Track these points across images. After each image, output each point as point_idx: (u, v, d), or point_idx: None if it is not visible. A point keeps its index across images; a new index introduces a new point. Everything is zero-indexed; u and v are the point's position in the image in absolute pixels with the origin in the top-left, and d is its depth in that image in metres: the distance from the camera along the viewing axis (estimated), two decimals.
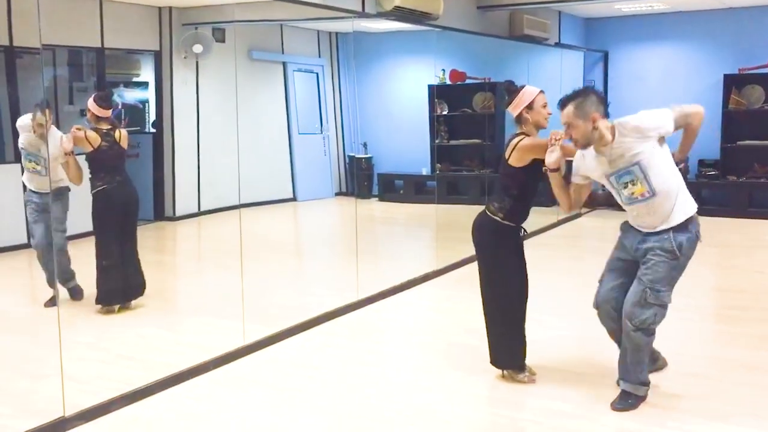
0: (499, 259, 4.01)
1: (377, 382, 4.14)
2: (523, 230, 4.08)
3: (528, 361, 4.42)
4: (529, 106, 3.94)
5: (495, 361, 4.13)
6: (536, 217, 9.41)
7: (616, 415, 3.62)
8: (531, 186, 3.97)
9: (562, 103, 3.64)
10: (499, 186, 4.05)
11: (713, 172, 9.68)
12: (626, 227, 3.76)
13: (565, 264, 7.51)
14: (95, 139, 5.30)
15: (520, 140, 3.89)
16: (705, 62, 10.08)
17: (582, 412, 3.65)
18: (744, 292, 5.73)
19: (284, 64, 11.57)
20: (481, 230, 4.06)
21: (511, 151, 3.89)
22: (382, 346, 4.86)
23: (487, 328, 4.17)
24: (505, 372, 4.09)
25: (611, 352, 4.34)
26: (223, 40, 9.95)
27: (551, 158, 3.68)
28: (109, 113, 5.47)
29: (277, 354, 4.60)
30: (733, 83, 9.62)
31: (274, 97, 11.50)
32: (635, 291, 3.61)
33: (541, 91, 3.99)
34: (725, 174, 9.50)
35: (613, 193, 3.67)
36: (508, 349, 4.07)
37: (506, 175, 3.96)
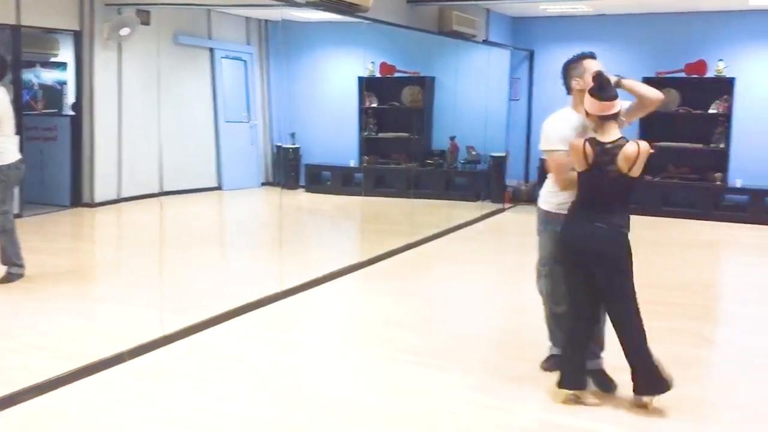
0: (630, 272, 3.65)
1: (298, 372, 4.12)
2: None
3: (450, 354, 4.50)
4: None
5: (654, 388, 3.60)
6: (461, 211, 9.62)
7: (533, 405, 3.71)
8: None
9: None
10: (612, 200, 3.62)
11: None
12: (558, 219, 3.83)
13: (492, 258, 7.64)
14: None
15: (635, 148, 3.54)
16: (625, 64, 10.37)
17: (500, 403, 3.72)
18: (657, 288, 5.96)
19: (211, 50, 11.35)
20: (614, 245, 3.61)
21: (633, 164, 3.52)
22: (304, 337, 4.84)
23: (632, 349, 3.63)
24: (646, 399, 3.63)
25: (534, 344, 4.44)
26: (147, 23, 9.68)
27: None
28: None
29: (196, 344, 4.52)
30: (651, 86, 9.95)
31: (201, 83, 11.26)
32: None
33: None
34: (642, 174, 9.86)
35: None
36: (652, 368, 3.60)
37: (627, 187, 3.59)
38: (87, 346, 4.34)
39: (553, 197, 3.89)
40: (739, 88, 9.60)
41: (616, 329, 3.66)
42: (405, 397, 3.80)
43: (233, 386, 3.89)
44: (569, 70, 3.88)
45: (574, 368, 3.71)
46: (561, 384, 3.71)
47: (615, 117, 3.62)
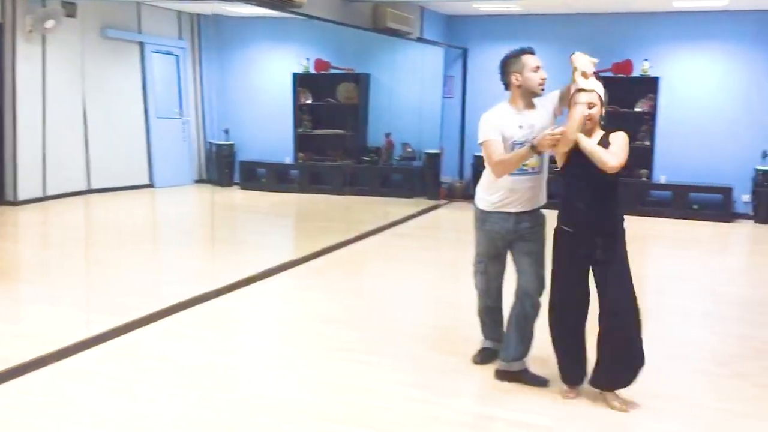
0: (627, 260, 3.67)
1: (229, 371, 4.06)
2: None
3: (384, 350, 4.51)
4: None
5: (629, 378, 3.63)
6: (397, 208, 9.65)
7: (467, 399, 3.76)
8: None
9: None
10: (605, 194, 3.62)
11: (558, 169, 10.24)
12: (493, 217, 3.85)
13: (427, 254, 7.69)
14: None
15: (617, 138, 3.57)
16: (556, 63, 10.58)
17: (434, 398, 3.75)
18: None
19: (141, 44, 11.07)
20: (617, 234, 3.63)
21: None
22: (237, 335, 4.78)
23: (624, 339, 3.62)
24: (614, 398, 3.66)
25: (467, 339, 4.49)
26: (73, 15, 9.37)
27: None
28: None
29: (124, 346, 4.41)
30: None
31: (130, 78, 10.97)
32: (533, 265, 3.84)
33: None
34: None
35: None
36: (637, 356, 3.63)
37: (614, 180, 3.58)
38: (9, 349, 4.18)
39: (488, 195, 3.90)
40: (663, 87, 9.92)
41: (608, 318, 3.60)
42: (339, 393, 3.79)
43: (162, 387, 3.81)
44: (508, 65, 3.84)
45: (569, 364, 3.75)
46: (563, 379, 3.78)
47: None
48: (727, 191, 9.64)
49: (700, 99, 9.98)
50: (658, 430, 3.48)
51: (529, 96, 3.81)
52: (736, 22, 9.65)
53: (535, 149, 3.66)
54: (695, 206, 9.79)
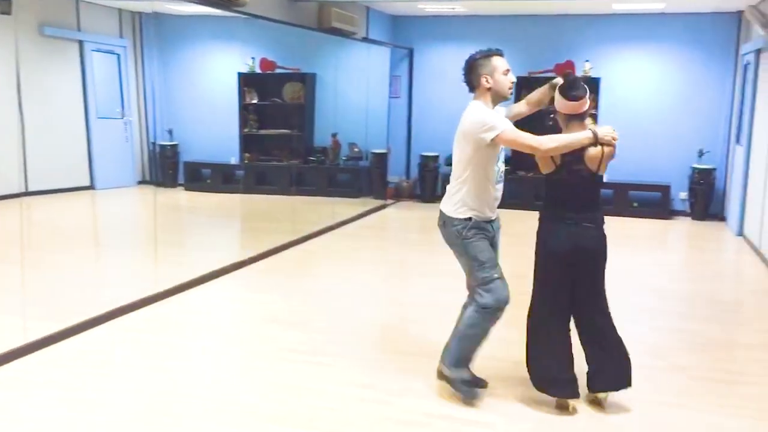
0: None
1: (174, 375, 4.00)
2: None
3: (333, 350, 4.49)
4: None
5: (625, 381, 3.67)
6: (344, 208, 9.63)
7: (417, 398, 3.76)
8: None
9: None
10: (590, 200, 3.72)
11: (506, 167, 10.38)
12: (482, 225, 3.70)
13: (374, 254, 7.69)
14: None
15: (598, 149, 3.62)
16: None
17: (384, 397, 3.76)
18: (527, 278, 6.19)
19: (81, 42, 10.78)
20: (601, 242, 3.73)
21: (599, 163, 3.63)
22: (181, 339, 4.70)
23: (612, 342, 3.67)
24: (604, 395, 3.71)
25: (415, 337, 4.51)
26: (8, 12, 9.05)
27: None
28: None
29: (65, 352, 4.29)
30: (524, 85, 10.36)
31: (70, 77, 10.67)
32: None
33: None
34: (515, 170, 10.21)
35: (492, 163, 3.67)
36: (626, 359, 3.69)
37: (599, 185, 3.72)
38: None
39: (477, 204, 3.68)
40: (604, 87, 10.14)
41: (588, 328, 3.67)
42: (287, 395, 3.76)
43: (103, 393, 3.72)
44: (476, 66, 3.63)
45: (557, 376, 3.64)
46: (550, 393, 3.66)
47: (582, 117, 3.65)
48: (665, 189, 9.91)
49: (639, 99, 10.24)
50: (595, 423, 3.55)
51: (498, 99, 3.68)
52: (673, 25, 9.94)
53: (595, 137, 3.59)
54: (635, 204, 10.04)
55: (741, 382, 4.14)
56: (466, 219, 3.67)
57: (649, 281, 6.61)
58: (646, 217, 9.82)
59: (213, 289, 5.87)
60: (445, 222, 3.74)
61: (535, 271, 3.73)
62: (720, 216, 9.81)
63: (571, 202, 3.65)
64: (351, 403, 3.69)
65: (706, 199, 9.77)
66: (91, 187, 10.85)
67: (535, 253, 3.73)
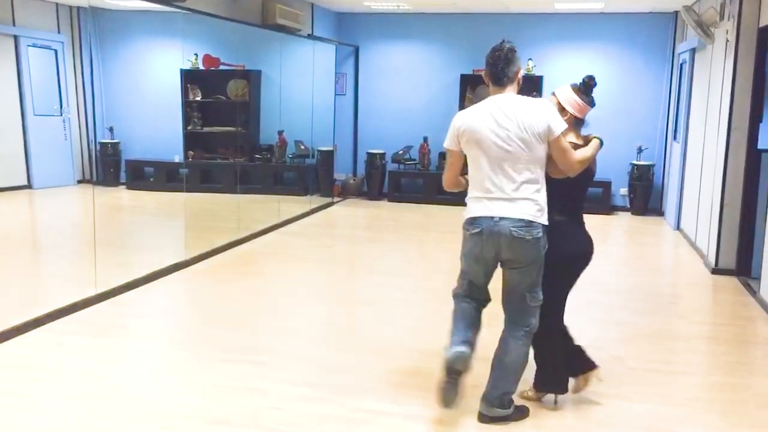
0: None
1: (112, 379, 3.91)
2: None
3: (275, 350, 4.46)
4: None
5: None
6: (291, 206, 9.57)
7: (359, 396, 3.76)
8: None
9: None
10: (582, 201, 3.82)
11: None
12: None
13: (321, 252, 7.66)
14: None
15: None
16: (445, 61, 10.85)
17: (326, 396, 3.74)
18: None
19: (16, 37, 10.46)
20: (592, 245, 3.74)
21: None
22: (121, 341, 4.60)
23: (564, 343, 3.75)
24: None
25: (358, 335, 4.50)
26: None
27: None
28: None
29: None
30: (468, 83, 10.47)
31: (4, 74, 10.34)
32: None
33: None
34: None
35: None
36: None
37: (586, 185, 3.78)
38: None
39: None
40: (546, 86, 10.30)
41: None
42: (230, 395, 3.72)
43: (38, 398, 3.61)
44: (517, 60, 3.42)
45: (553, 372, 3.69)
46: (547, 388, 3.71)
47: (580, 123, 3.68)
48: (606, 185, 10.13)
49: None
50: (532, 414, 3.60)
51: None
52: (612, 25, 10.16)
53: (602, 145, 3.59)
54: None
55: (678, 372, 4.26)
56: (545, 226, 3.34)
57: (591, 275, 6.72)
58: (588, 213, 9.92)
59: (154, 289, 5.76)
60: (529, 230, 3.28)
61: (546, 276, 3.48)
62: (659, 211, 10.07)
63: (574, 204, 3.72)
64: (293, 402, 3.66)
65: (645, 194, 10.02)
66: (28, 186, 10.54)
67: (548, 258, 3.45)
